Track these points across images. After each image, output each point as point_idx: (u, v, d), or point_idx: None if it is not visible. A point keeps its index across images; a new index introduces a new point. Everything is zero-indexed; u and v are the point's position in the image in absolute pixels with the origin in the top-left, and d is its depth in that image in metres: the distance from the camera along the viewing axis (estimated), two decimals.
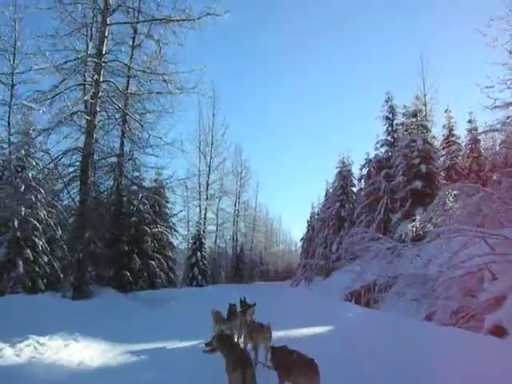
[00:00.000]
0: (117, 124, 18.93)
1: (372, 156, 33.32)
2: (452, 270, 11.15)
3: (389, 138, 31.83)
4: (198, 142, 48.07)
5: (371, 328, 10.24)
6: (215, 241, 51.45)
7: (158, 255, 34.74)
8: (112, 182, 20.16)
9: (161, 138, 18.28)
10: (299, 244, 63.12)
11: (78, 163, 17.21)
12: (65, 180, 18.12)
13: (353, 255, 22.56)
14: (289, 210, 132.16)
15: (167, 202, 38.46)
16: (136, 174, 24.58)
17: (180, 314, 16.14)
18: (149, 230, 34.26)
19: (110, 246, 19.53)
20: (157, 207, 36.31)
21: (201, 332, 9.82)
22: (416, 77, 31.89)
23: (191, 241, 43.42)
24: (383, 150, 32.05)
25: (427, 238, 11.68)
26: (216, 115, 49.20)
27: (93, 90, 16.00)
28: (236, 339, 9.23)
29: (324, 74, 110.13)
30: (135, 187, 33.47)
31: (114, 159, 19.78)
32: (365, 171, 34.68)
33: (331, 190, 44.12)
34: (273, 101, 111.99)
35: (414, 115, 22.50)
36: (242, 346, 8.22)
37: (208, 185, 48.16)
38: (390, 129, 31.72)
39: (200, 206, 47.70)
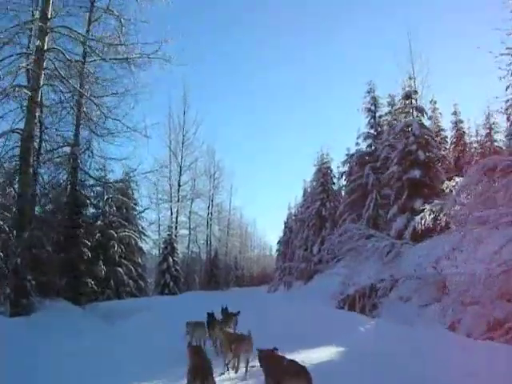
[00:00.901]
0: (70, 108, 16.08)
1: (353, 151, 31.34)
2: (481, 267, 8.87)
3: (372, 130, 29.94)
4: (168, 141, 45.58)
5: (396, 348, 7.79)
6: (188, 245, 49.04)
7: (125, 261, 32.14)
8: (66, 176, 17.11)
9: (119, 121, 15.56)
10: (275, 248, 61.28)
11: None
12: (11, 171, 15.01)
13: (340, 256, 20.31)
14: (263, 213, 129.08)
15: (135, 204, 35.75)
16: (101, 174, 21.71)
17: (145, 331, 13.11)
18: (115, 234, 31.60)
19: (65, 251, 16.42)
20: (124, 210, 33.59)
21: (171, 362, 7.22)
22: (403, 61, 28.09)
23: (162, 245, 40.70)
24: (366, 143, 30.01)
25: (468, 226, 9.32)
26: (187, 113, 46.89)
27: (33, 57, 13.18)
28: (218, 350, 9.01)
29: (303, 69, 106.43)
30: (98, 187, 31.06)
31: (67, 149, 16.90)
32: (346, 167, 32.65)
33: (310, 190, 42.00)
34: (246, 101, 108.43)
35: (408, 97, 20.24)
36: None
37: (179, 186, 45.67)
38: (372, 121, 29.86)
39: (171, 209, 45.31)
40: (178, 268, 39.42)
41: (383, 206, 24.06)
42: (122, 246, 31.90)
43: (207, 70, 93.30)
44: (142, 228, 37.09)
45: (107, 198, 32.07)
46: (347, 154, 32.33)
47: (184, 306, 22.01)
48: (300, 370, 5.13)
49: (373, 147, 29.42)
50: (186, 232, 48.46)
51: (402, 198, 18.58)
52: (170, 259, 38.42)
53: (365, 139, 29.94)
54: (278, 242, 56.23)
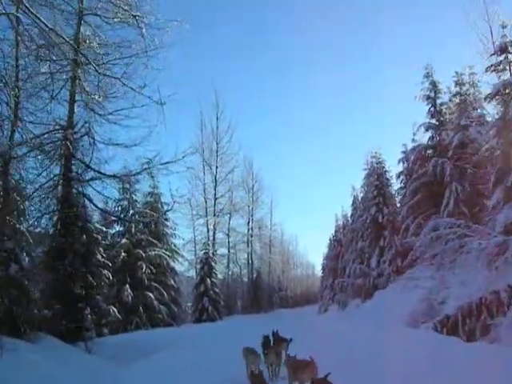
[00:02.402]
0: (63, 80, 12.28)
1: (411, 147, 27.02)
2: None
3: (433, 120, 25.64)
4: (201, 150, 42.13)
5: None
6: (228, 265, 45.37)
7: (156, 284, 28.26)
8: (59, 169, 13.00)
9: (119, 79, 11.69)
10: (318, 266, 57.06)
11: None
12: None
13: (423, 263, 15.91)
14: (304, 231, 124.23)
15: (166, 219, 31.93)
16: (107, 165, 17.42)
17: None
18: (143, 254, 27.85)
19: (53, 269, 11.99)
20: (153, 226, 29.79)
21: None
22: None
23: (199, 266, 36.86)
24: (427, 135, 25.94)
25: None
26: (220, 119, 43.82)
27: None
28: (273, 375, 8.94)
29: (354, 74, 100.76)
30: (124, 201, 27.40)
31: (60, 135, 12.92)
32: (402, 167, 28.21)
33: (361, 196, 37.36)
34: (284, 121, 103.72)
35: (503, 51, 15.58)
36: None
37: (216, 198, 42.03)
38: (433, 109, 25.60)
39: (207, 225, 41.68)
40: (217, 290, 35.53)
41: (464, 201, 19.69)
42: (152, 267, 28.15)
43: (242, 77, 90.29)
44: (175, 246, 33.30)
45: (133, 213, 28.59)
46: (404, 152, 27.99)
47: (226, 336, 17.79)
48: None
49: (435, 139, 25.21)
50: (225, 251, 45.08)
51: (508, 181, 13.95)
52: (208, 281, 34.52)
53: (426, 130, 25.70)
54: (325, 258, 51.70)
